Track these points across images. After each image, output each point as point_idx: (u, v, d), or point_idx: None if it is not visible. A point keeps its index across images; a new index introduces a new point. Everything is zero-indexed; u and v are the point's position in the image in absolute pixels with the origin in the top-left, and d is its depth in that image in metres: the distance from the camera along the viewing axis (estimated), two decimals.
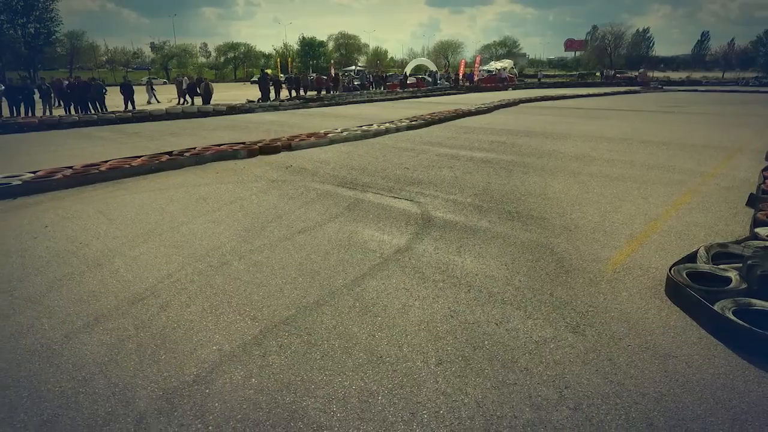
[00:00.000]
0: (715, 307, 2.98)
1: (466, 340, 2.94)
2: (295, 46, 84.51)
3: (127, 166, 7.89)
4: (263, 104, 20.33)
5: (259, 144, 9.98)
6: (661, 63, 75.06)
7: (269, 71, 33.32)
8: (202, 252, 4.42)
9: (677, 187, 6.59)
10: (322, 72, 61.18)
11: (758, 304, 2.99)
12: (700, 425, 2.23)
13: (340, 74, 31.85)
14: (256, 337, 2.99)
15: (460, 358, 2.75)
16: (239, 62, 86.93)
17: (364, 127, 12.55)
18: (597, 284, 3.67)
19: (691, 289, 3.18)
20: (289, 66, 44.64)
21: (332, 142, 10.94)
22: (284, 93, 26.35)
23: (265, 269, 4.03)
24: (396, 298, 3.50)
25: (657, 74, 50.62)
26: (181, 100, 22.80)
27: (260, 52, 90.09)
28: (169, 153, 9.11)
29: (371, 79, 35.54)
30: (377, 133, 12.12)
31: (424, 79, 38.39)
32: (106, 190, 6.83)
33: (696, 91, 31.09)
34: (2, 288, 3.71)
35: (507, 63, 50.52)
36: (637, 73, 47.63)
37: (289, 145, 10.14)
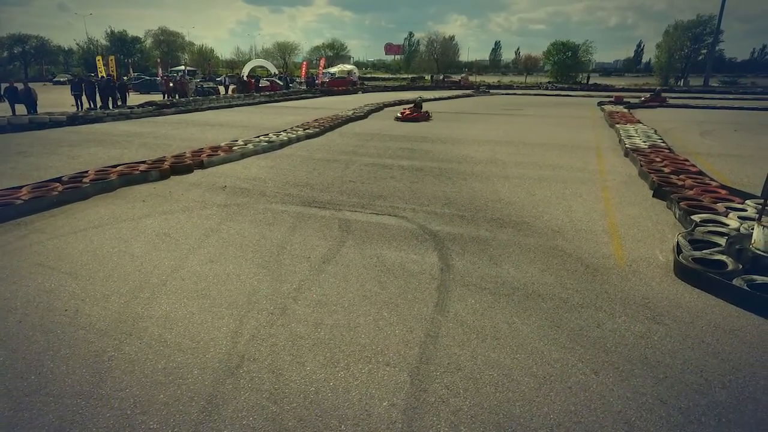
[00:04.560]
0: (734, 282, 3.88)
1: (584, 350, 3.29)
2: (103, 42, 73.46)
3: (19, 201, 6.25)
4: (111, 112, 17.56)
5: (168, 163, 8.78)
6: (465, 68, 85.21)
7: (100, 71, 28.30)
8: (243, 301, 3.90)
9: (591, 184, 7.94)
10: (143, 71, 54.69)
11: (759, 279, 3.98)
12: None
13: (187, 79, 29.05)
14: (414, 392, 2.87)
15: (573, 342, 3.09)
16: (30, 59, 72.18)
17: (264, 138, 11.92)
18: (628, 277, 4.36)
19: (710, 272, 4.05)
20: (111, 66, 38.64)
21: (243, 156, 10.18)
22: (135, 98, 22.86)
23: (338, 309, 3.77)
24: (489, 318, 3.66)
25: (471, 78, 57.69)
26: None
27: (57, 47, 76.18)
28: (59, 180, 7.44)
29: (228, 83, 33.98)
30: (283, 144, 11.64)
31: (277, 82, 37.45)
32: (15, 236, 5.35)
33: (515, 94, 36.57)
34: None
35: (351, 67, 52.19)
36: (460, 78, 53.67)
37: (201, 163, 9.15)
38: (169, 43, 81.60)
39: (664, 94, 27.51)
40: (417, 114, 17.17)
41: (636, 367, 3.05)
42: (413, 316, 3.67)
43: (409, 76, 65.82)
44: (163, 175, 8.27)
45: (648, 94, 27.16)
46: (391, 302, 3.88)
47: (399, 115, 17.48)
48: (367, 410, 2.66)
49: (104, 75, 30.28)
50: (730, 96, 32.78)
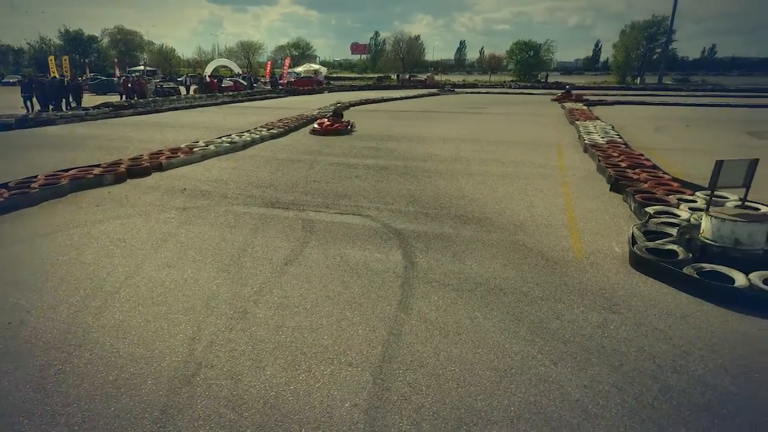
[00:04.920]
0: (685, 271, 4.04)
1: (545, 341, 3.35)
2: (56, 41, 70.31)
3: None
4: (65, 114, 16.82)
5: (123, 166, 8.46)
6: (431, 67, 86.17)
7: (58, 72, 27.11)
8: (201, 306, 3.79)
9: (552, 180, 8.11)
10: (100, 72, 52.72)
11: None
12: None
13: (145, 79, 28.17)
14: (377, 392, 2.85)
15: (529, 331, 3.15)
16: None
17: (226, 139, 11.65)
18: (586, 269, 4.47)
19: (665, 262, 4.20)
20: (65, 66, 37.06)
21: (204, 157, 9.93)
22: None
23: (300, 310, 3.71)
24: (452, 314, 3.68)
25: (437, 77, 58.24)
26: None
27: (7, 46, 72.55)
28: (5, 185, 7.05)
29: (189, 83, 33.20)
30: (246, 145, 11.42)
31: (240, 82, 36.75)
32: None
33: (479, 93, 37.12)
34: None
35: (318, 66, 51.83)
36: (426, 77, 54.05)
37: (159, 165, 8.86)
38: (127, 42, 78.74)
39: (624, 91, 28.78)
40: (339, 126, 13.92)
41: (593, 356, 3.12)
42: (376, 315, 3.65)
43: (376, 75, 65.76)
44: (119, 179, 7.97)
45: (562, 91, 29.94)
46: (355, 302, 3.85)
47: (316, 126, 13.93)
48: (329, 412, 2.62)
49: (56, 75, 28.99)
50: (683, 93, 34.23)
